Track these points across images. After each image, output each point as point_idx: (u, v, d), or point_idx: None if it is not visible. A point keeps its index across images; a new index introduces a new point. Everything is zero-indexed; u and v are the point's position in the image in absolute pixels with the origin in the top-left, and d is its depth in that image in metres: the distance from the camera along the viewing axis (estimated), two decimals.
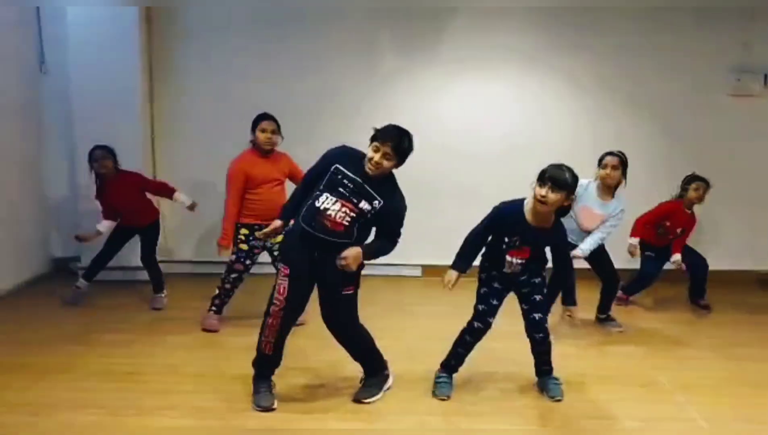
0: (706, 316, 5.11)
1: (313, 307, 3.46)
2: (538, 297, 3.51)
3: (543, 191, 3.20)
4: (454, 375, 3.69)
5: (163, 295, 5.11)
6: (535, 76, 5.92)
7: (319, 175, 3.30)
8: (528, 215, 3.32)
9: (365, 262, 3.29)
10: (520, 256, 3.38)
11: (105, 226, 4.92)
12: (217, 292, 4.60)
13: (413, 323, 4.82)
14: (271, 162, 4.51)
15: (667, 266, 5.17)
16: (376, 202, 3.22)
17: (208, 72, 5.87)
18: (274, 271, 3.95)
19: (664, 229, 5.10)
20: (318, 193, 3.25)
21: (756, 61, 5.85)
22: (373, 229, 3.38)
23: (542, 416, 3.39)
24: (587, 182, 4.46)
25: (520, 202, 3.37)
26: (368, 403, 3.45)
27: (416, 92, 5.94)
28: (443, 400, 3.54)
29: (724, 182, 5.50)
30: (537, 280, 3.51)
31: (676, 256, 5.07)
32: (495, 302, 3.52)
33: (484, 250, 3.55)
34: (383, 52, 5.92)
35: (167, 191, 5.03)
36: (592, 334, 4.68)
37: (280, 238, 3.88)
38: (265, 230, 3.51)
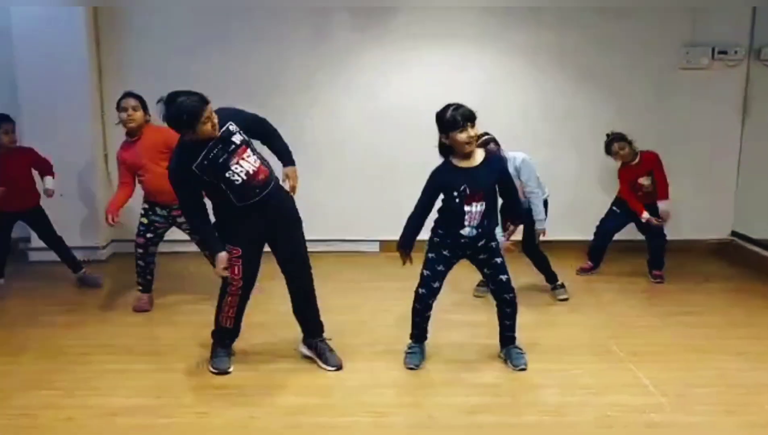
0: (659, 286, 5.22)
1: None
2: (499, 259, 3.52)
3: (471, 132, 3.27)
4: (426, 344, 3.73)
5: (84, 270, 5.04)
6: (487, 50, 5.93)
7: (198, 191, 3.35)
8: (460, 164, 3.37)
9: None
10: (477, 201, 3.37)
11: None
12: (136, 271, 4.56)
13: (370, 299, 4.84)
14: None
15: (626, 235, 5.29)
16: (229, 126, 3.27)
17: (156, 53, 5.76)
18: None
19: (637, 188, 5.19)
20: (226, 180, 3.25)
21: (704, 35, 5.94)
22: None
23: (498, 386, 3.45)
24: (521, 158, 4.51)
25: (445, 162, 3.42)
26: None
27: (370, 68, 5.90)
28: (411, 369, 3.59)
29: (676, 153, 5.61)
30: (493, 244, 3.52)
31: (663, 204, 5.16)
32: (441, 268, 3.53)
33: (437, 216, 3.54)
34: (335, 26, 5.86)
35: (47, 170, 4.90)
36: (546, 305, 4.76)
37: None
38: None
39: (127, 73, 5.77)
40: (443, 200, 3.47)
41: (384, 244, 6.03)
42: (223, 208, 3.38)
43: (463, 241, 3.47)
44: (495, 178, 3.43)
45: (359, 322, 4.29)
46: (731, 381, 3.51)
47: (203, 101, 3.14)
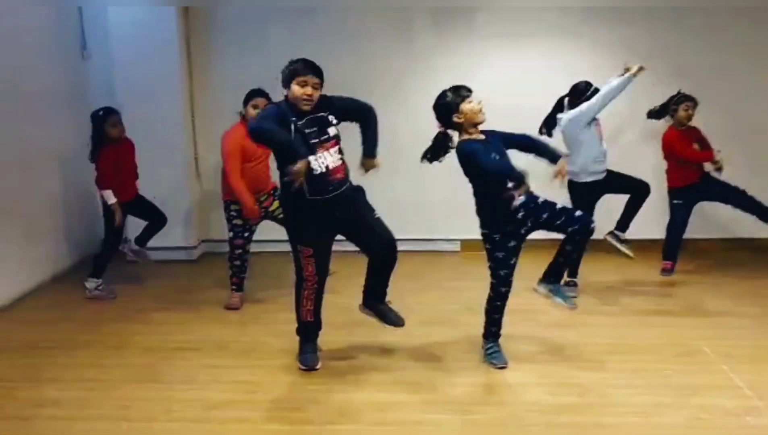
0: (746, 285, 5.01)
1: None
2: (558, 206, 3.49)
3: (482, 103, 3.37)
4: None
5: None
6: (571, 48, 5.84)
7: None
8: (477, 137, 3.41)
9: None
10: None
11: (112, 197, 4.76)
12: (230, 272, 4.70)
13: (453, 298, 4.85)
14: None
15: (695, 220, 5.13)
16: (329, 115, 3.37)
17: (245, 55, 5.90)
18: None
19: (698, 143, 5.02)
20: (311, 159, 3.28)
21: None
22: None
23: (582, 386, 3.41)
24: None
25: (467, 140, 3.42)
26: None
27: (453, 68, 5.90)
28: (503, 368, 3.60)
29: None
30: (540, 200, 3.48)
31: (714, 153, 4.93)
32: (513, 261, 3.55)
33: (484, 214, 3.55)
34: (419, 29, 5.90)
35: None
36: (634, 305, 4.66)
37: (276, 204, 4.40)
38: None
39: (216, 74, 5.97)
40: (484, 189, 3.48)
41: (465, 243, 6.05)
42: (294, 201, 3.42)
43: (520, 215, 3.43)
44: (499, 141, 3.45)
45: (441, 321, 4.32)
46: None
47: (307, 67, 3.34)
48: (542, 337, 4.00)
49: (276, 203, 4.52)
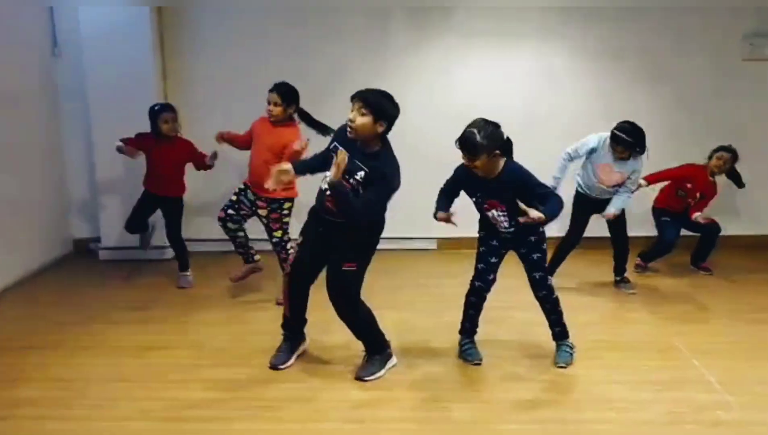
0: (722, 282, 5.13)
1: None
2: (535, 256, 3.52)
3: (465, 160, 3.32)
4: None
5: (188, 273, 5.13)
6: (549, 47, 5.88)
7: (326, 157, 3.37)
8: (477, 171, 3.35)
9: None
10: (496, 208, 3.42)
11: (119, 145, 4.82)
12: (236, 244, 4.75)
13: (429, 296, 4.87)
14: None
15: (684, 233, 5.21)
16: (360, 173, 3.21)
17: (219, 52, 5.86)
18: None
19: (684, 192, 5.12)
20: (323, 175, 3.34)
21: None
22: None
23: (558, 384, 3.45)
24: (600, 139, 4.62)
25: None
26: (368, 380, 3.47)
27: (428, 67, 5.93)
28: (477, 364, 3.62)
29: (738, 146, 5.48)
30: (533, 238, 3.50)
31: (697, 214, 5.06)
32: (493, 260, 3.58)
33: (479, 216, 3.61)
34: (394, 27, 5.91)
35: (202, 165, 5.00)
36: (609, 302, 4.73)
37: (263, 212, 4.47)
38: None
39: (190, 72, 5.91)
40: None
41: (441, 242, 6.08)
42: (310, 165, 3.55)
43: (504, 236, 3.53)
44: (510, 192, 3.33)
45: (415, 319, 4.33)
46: None
47: (354, 94, 3.22)
48: (521, 335, 4.02)
49: (264, 212, 4.53)
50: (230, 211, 4.61)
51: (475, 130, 3.23)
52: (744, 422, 3.04)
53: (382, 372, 3.53)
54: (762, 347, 3.88)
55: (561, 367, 3.59)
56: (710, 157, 5.14)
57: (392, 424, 3.06)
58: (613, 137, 4.51)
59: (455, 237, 5.87)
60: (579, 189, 4.86)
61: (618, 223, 4.81)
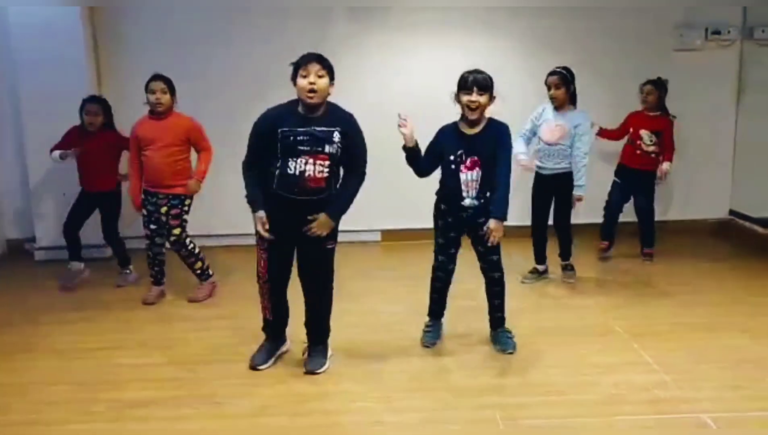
0: (660, 266, 5.29)
1: None
2: (490, 240, 3.51)
3: (473, 97, 3.37)
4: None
5: (128, 270, 5.04)
6: (484, 37, 5.94)
7: (266, 147, 3.28)
8: (462, 128, 3.48)
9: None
10: (472, 168, 3.45)
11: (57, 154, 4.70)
12: (147, 264, 4.65)
13: (375, 288, 4.88)
14: (162, 125, 4.44)
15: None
16: (335, 134, 3.24)
17: (156, 47, 5.73)
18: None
19: (631, 138, 5.23)
20: (282, 161, 3.24)
21: (697, 15, 5.98)
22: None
23: (502, 368, 3.52)
24: (542, 107, 4.70)
25: (453, 123, 3.53)
26: (320, 372, 3.47)
27: (370, 58, 5.93)
28: (427, 347, 3.70)
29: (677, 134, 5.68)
30: (487, 225, 3.50)
31: (664, 164, 5.20)
32: (452, 251, 3.64)
33: (439, 190, 3.61)
34: (334, 17, 5.89)
35: None
36: (550, 288, 4.83)
37: (164, 209, 4.39)
38: (261, 231, 3.35)
39: (125, 70, 5.76)
40: (442, 170, 3.56)
41: (385, 234, 6.10)
42: (264, 184, 3.32)
43: (465, 214, 3.52)
44: (493, 144, 3.46)
45: (363, 311, 4.35)
46: (736, 357, 3.58)
47: (307, 56, 3.24)
48: (462, 321, 4.05)
49: (164, 209, 4.44)
50: (152, 226, 4.51)
51: (481, 71, 3.45)
52: (680, 399, 3.15)
53: (328, 363, 3.54)
54: (699, 328, 4.01)
55: (509, 352, 3.64)
56: (643, 93, 5.25)
57: (341, 417, 3.08)
58: (546, 81, 4.64)
59: (399, 229, 5.95)
60: (538, 170, 4.80)
61: (562, 205, 4.78)
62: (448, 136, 3.53)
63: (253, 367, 3.50)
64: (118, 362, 3.65)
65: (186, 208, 4.50)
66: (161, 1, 5.67)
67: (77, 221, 4.92)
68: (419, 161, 3.58)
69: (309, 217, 3.29)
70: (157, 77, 4.35)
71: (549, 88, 4.61)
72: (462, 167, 3.47)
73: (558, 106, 4.61)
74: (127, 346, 3.87)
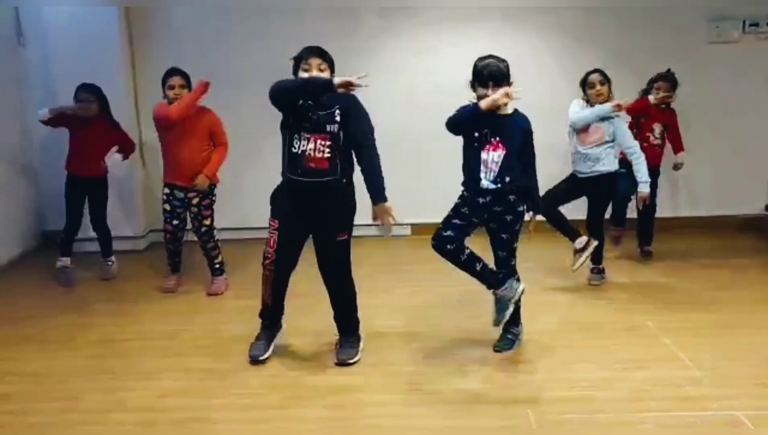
0: (691, 262, 5.22)
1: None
2: (504, 236, 3.46)
3: (489, 92, 3.28)
4: None
5: (110, 261, 5.08)
6: (515, 31, 5.92)
7: (282, 124, 3.37)
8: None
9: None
10: (495, 149, 3.35)
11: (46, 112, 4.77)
12: (166, 255, 4.73)
13: (406, 281, 4.89)
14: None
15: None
16: (336, 111, 3.29)
17: (189, 38, 5.83)
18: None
19: (638, 129, 5.12)
20: (289, 139, 3.31)
21: (733, 8, 5.88)
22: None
23: (532, 363, 3.51)
24: (580, 105, 4.57)
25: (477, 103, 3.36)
26: (352, 363, 3.50)
27: (400, 52, 5.94)
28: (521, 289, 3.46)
29: (707, 129, 5.59)
30: (508, 217, 3.43)
31: (680, 155, 5.21)
32: (456, 221, 3.43)
33: (463, 172, 3.50)
34: (364, 13, 5.90)
35: (125, 149, 5.04)
36: (580, 284, 4.78)
37: (196, 201, 4.45)
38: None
39: (159, 69, 5.80)
40: (464, 150, 3.46)
41: (415, 228, 6.10)
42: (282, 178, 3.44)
43: (481, 200, 3.41)
44: (521, 134, 3.40)
45: (391, 305, 4.36)
46: (767, 355, 3.53)
47: (308, 50, 3.33)
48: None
49: (196, 200, 4.51)
50: (174, 222, 4.57)
51: (495, 58, 3.37)
52: (713, 396, 3.11)
53: (359, 355, 3.56)
54: (731, 325, 3.96)
55: (497, 350, 3.59)
56: (649, 90, 5.16)
57: (371, 408, 3.09)
58: (583, 80, 4.57)
59: (429, 223, 5.93)
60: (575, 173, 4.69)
61: (596, 207, 4.66)
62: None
63: (254, 360, 3.52)
64: (151, 353, 3.72)
65: (215, 199, 4.57)
66: (194, 0, 5.74)
67: (77, 215, 4.97)
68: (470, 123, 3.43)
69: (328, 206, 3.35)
70: (174, 71, 4.41)
71: (592, 86, 4.51)
72: (486, 146, 3.37)
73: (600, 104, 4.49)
74: (160, 337, 3.94)
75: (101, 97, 4.84)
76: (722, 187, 6.17)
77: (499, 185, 3.38)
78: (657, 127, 5.18)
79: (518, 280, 3.49)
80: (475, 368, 3.47)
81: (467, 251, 3.42)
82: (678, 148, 5.35)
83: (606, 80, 4.52)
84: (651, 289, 4.66)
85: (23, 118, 5.73)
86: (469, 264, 3.42)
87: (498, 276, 3.44)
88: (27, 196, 5.77)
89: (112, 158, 4.94)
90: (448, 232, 3.42)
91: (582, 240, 4.57)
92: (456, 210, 3.48)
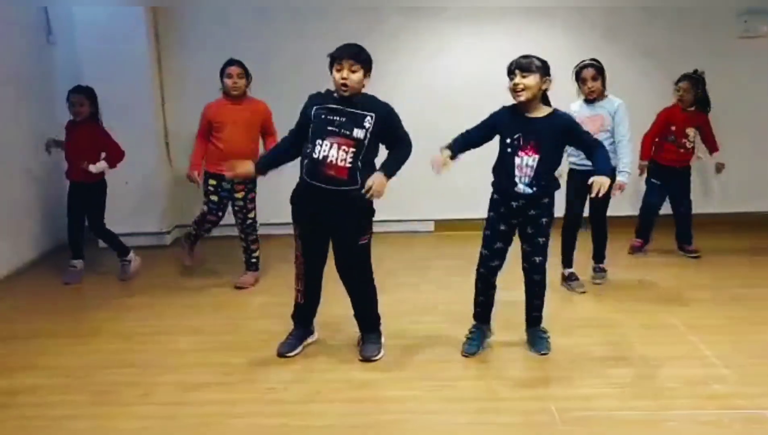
0: (717, 259, 5.15)
1: None
2: (541, 240, 3.43)
3: (516, 79, 3.27)
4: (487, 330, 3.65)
5: (128, 258, 5.01)
6: (538, 28, 5.88)
7: (303, 126, 3.36)
8: (521, 110, 3.34)
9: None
10: (529, 153, 3.30)
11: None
12: (193, 232, 4.78)
13: (429, 278, 4.89)
14: (241, 108, 4.54)
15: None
16: (368, 118, 3.28)
17: (214, 34, 5.87)
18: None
19: (674, 136, 5.08)
20: (311, 144, 3.29)
21: (763, 1, 5.78)
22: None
23: (555, 360, 3.48)
24: (573, 106, 4.49)
25: (511, 105, 3.38)
26: (376, 359, 3.50)
27: (420, 49, 5.93)
28: (466, 357, 3.52)
29: (735, 125, 5.50)
30: (544, 220, 3.41)
31: (715, 155, 5.21)
32: (498, 246, 3.44)
33: (493, 175, 3.47)
34: (386, 11, 5.90)
35: (111, 157, 4.86)
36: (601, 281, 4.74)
37: (241, 194, 4.48)
38: (236, 170, 3.52)
39: (185, 69, 5.94)
40: (498, 154, 3.42)
41: (438, 224, 6.09)
42: (279, 156, 3.55)
43: (515, 204, 3.37)
44: (557, 135, 3.34)
45: (415, 302, 4.36)
46: None
47: (341, 50, 3.30)
48: (515, 312, 3.99)
49: (242, 194, 4.54)
50: (219, 214, 4.64)
51: (529, 55, 3.33)
52: (741, 394, 3.06)
53: (383, 351, 3.56)
54: (757, 322, 3.91)
55: (544, 353, 3.54)
56: (676, 89, 5.12)
57: (394, 404, 3.09)
58: (576, 75, 4.47)
59: (452, 219, 5.93)
60: (572, 166, 4.58)
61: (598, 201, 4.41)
62: (505, 117, 3.39)
63: (281, 354, 3.54)
64: (176, 347, 3.75)
65: (256, 191, 4.62)
66: (220, 1, 5.79)
67: (74, 218, 4.94)
68: (455, 140, 3.52)
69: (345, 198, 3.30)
70: (233, 62, 4.50)
71: (584, 82, 4.43)
72: (519, 151, 3.32)
73: (595, 99, 4.43)
74: (185, 331, 3.98)
75: (93, 102, 4.81)
76: (749, 182, 6.07)
77: (534, 189, 3.34)
78: (690, 132, 5.13)
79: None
80: (498, 365, 3.46)
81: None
82: (713, 148, 5.30)
83: (599, 74, 4.42)
84: (677, 286, 4.61)
85: (53, 116, 5.79)
86: (493, 296, 3.56)
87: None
88: (55, 193, 5.83)
89: (99, 165, 4.82)
90: (496, 263, 3.47)
91: (569, 270, 4.59)
92: (492, 227, 3.46)
